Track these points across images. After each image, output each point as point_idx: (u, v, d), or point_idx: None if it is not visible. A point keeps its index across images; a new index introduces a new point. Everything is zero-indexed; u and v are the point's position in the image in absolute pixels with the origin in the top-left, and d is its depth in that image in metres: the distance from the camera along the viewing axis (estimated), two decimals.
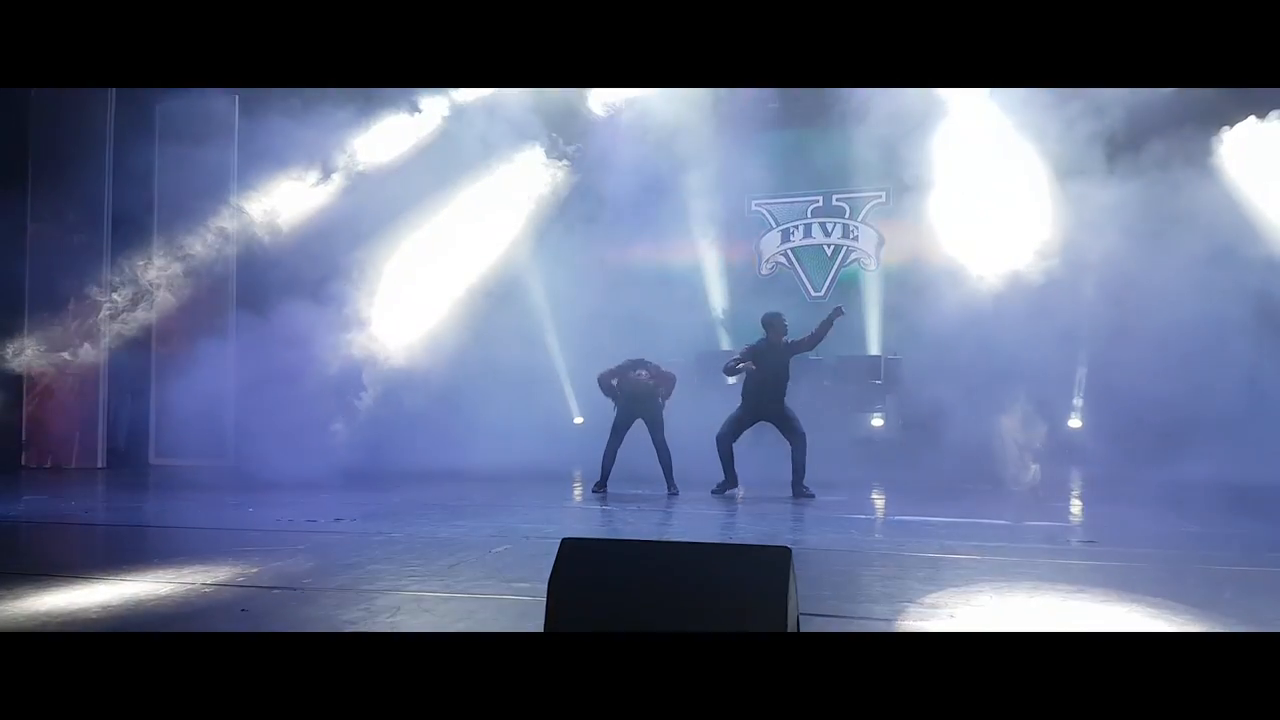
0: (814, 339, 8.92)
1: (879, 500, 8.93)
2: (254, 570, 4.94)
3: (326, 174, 13.53)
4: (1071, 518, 7.78)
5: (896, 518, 7.48)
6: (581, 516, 7.73)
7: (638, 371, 9.20)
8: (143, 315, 13.32)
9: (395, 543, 5.88)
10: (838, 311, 8.91)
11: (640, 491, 9.10)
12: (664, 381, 9.24)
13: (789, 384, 9.08)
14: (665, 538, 6.31)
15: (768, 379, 8.87)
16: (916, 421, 12.56)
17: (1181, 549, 5.83)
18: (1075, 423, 13.29)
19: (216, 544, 5.92)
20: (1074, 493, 9.71)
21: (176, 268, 13.31)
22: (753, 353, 8.94)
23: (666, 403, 9.23)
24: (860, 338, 13.93)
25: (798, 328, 9.29)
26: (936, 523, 6.94)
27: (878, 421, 13.22)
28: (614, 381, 9.25)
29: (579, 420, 14.40)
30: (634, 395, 9.15)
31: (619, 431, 9.25)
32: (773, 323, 9.00)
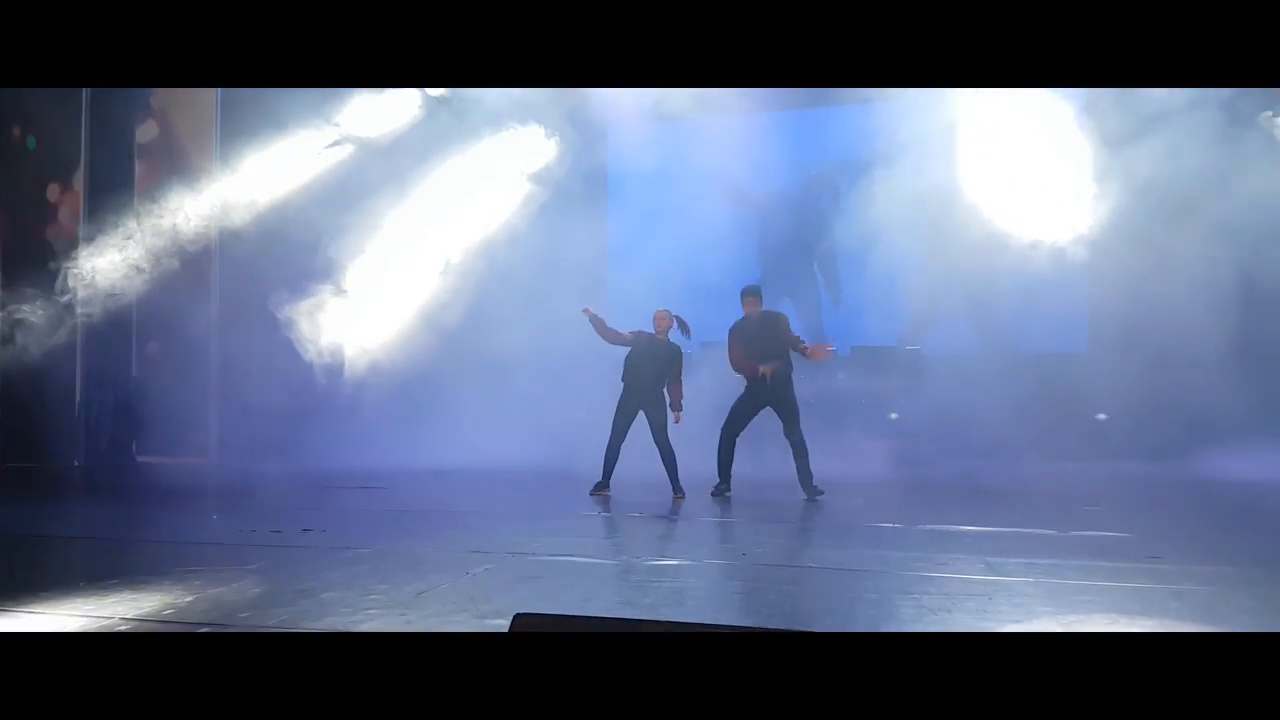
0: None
1: (902, 505, 8.20)
2: (189, 599, 4.22)
3: (314, 145, 12.87)
4: (1122, 527, 7.03)
5: (925, 526, 6.73)
6: (575, 527, 6.98)
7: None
8: (122, 300, 12.55)
9: (361, 561, 5.16)
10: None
11: (642, 498, 8.39)
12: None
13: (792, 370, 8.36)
14: (665, 554, 5.57)
15: (753, 347, 8.21)
16: (936, 415, 11.87)
17: (1267, 567, 5.08)
18: (1101, 415, 12.61)
19: (160, 561, 5.21)
20: (1112, 495, 8.95)
21: (157, 244, 12.54)
22: (742, 335, 8.28)
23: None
24: (876, 327, 13.22)
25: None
26: (971, 533, 6.21)
27: (895, 416, 12.46)
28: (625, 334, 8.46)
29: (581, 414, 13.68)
30: (637, 387, 8.39)
31: (621, 426, 8.48)
32: (749, 295, 8.32)
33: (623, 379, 8.48)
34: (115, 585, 4.53)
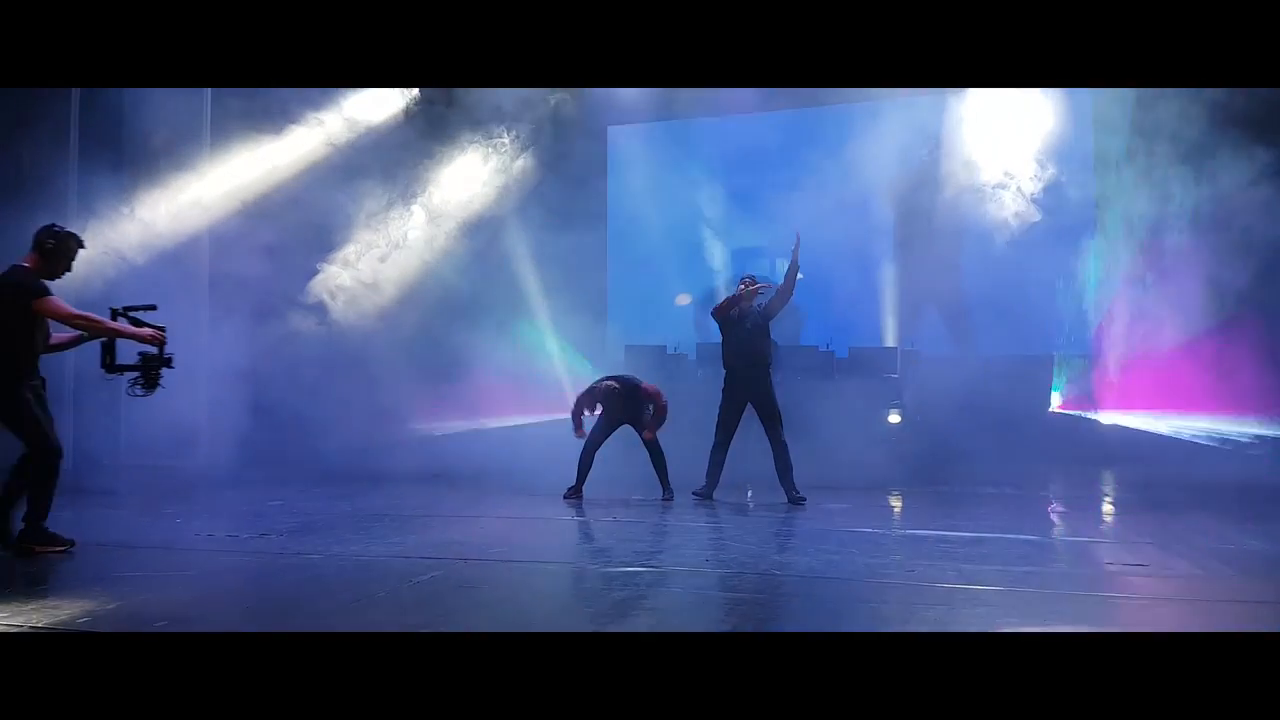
0: (785, 288, 8.05)
1: (889, 509, 7.95)
2: (111, 606, 4.03)
3: (308, 141, 12.75)
4: (1110, 532, 6.77)
5: (908, 531, 6.49)
6: (548, 531, 6.77)
7: (610, 384, 8.29)
8: (112, 299, 12.33)
9: (307, 567, 4.96)
10: (795, 239, 8.02)
11: (631, 496, 8.19)
12: (651, 400, 8.26)
13: (773, 364, 8.23)
14: (626, 559, 5.34)
15: (745, 341, 8.03)
16: (936, 418, 11.63)
17: (1252, 575, 4.82)
18: (1105, 418, 12.36)
19: (97, 566, 5.04)
20: (1108, 499, 8.68)
21: (148, 242, 12.32)
22: (734, 301, 8.10)
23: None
24: (875, 328, 12.98)
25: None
26: (954, 538, 5.96)
27: (895, 418, 12.17)
28: (585, 412, 8.30)
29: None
30: (617, 402, 8.22)
31: (600, 433, 8.30)
32: (741, 280, 8.18)
33: (603, 401, 8.33)
34: (42, 590, 4.36)
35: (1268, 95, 9.93)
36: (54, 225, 5.42)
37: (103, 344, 5.47)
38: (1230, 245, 10.21)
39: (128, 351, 5.56)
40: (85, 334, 5.46)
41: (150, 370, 5.34)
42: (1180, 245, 10.86)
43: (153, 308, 5.43)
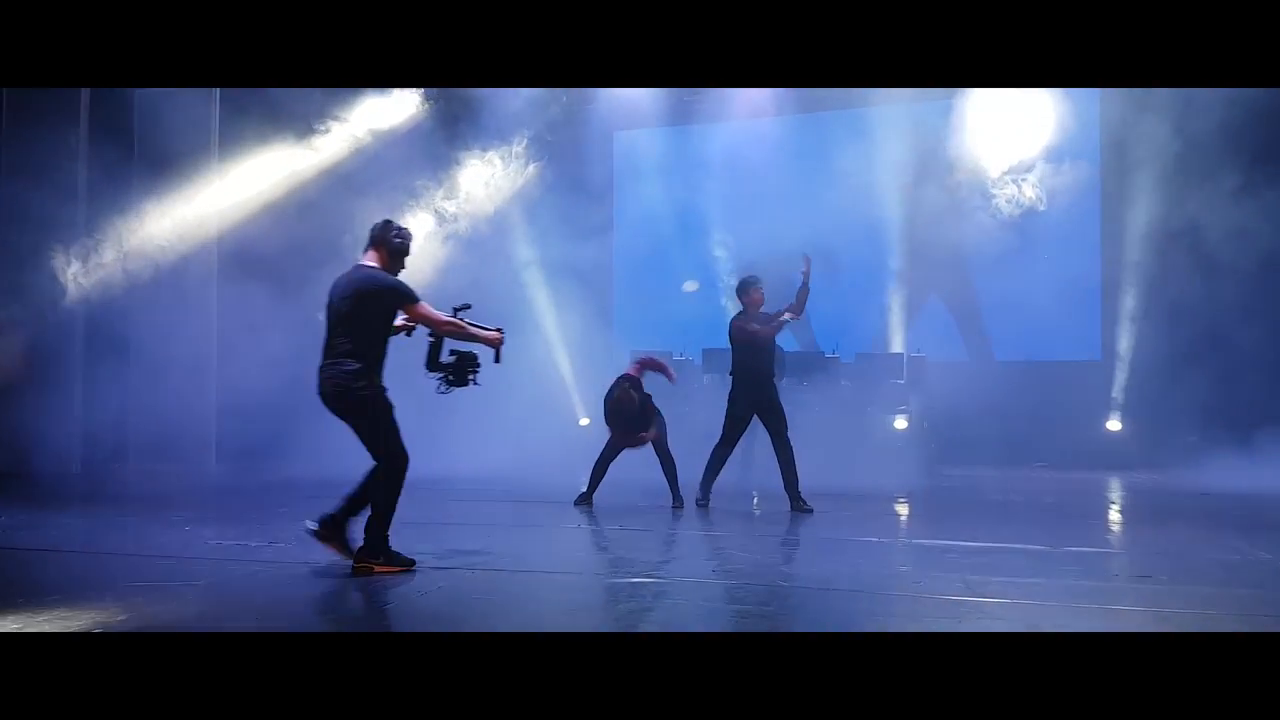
0: (796, 307, 7.98)
1: (895, 518, 7.95)
2: (121, 616, 4.06)
3: (314, 144, 12.79)
4: (1118, 542, 6.77)
5: (914, 541, 6.50)
6: (556, 540, 6.79)
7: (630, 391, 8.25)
8: (122, 303, 12.33)
9: (315, 578, 4.99)
10: (805, 261, 7.97)
11: (642, 503, 8.21)
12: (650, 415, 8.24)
13: (778, 373, 8.23)
14: (633, 570, 5.37)
15: (753, 352, 7.98)
16: (943, 424, 11.64)
17: (1260, 588, 4.82)
18: (1114, 425, 12.36)
19: (107, 575, 5.07)
20: (1117, 508, 8.67)
21: (156, 246, 12.32)
22: (759, 331, 8.00)
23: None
24: (881, 334, 12.97)
25: None
26: (960, 548, 5.96)
27: (901, 424, 12.15)
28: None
29: (585, 422, 13.46)
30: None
31: (612, 447, 8.33)
32: (747, 288, 8.11)
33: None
34: (52, 600, 4.38)
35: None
36: (392, 221, 5.31)
37: (431, 344, 5.40)
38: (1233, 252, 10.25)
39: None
40: (402, 332, 5.37)
41: (467, 369, 5.37)
42: (1187, 250, 10.87)
43: (468, 307, 5.44)
